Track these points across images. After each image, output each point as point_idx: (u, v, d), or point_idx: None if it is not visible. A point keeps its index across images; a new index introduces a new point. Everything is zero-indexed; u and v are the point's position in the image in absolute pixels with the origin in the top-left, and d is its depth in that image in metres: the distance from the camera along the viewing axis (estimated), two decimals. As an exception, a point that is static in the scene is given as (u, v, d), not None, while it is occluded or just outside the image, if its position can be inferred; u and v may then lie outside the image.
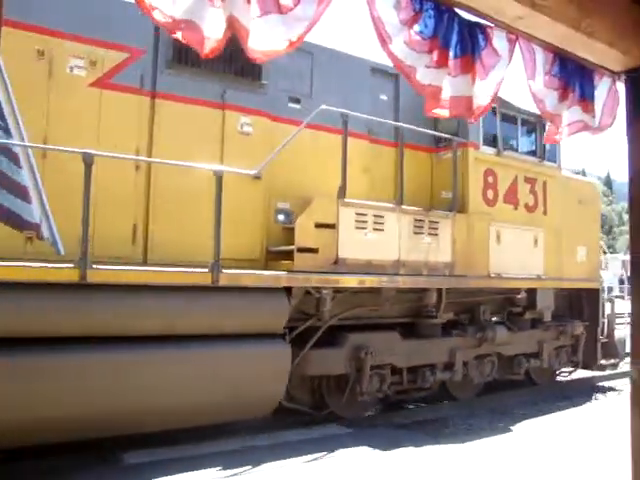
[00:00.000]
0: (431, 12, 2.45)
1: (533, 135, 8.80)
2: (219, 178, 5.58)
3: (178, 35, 1.91)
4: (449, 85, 2.60)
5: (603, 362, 9.53)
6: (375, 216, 6.71)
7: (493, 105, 8.19)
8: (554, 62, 2.91)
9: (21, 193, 5.34)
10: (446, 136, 7.71)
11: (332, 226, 6.38)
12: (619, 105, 3.27)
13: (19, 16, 5.36)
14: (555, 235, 8.76)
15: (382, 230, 6.76)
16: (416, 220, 7.09)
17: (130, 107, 5.88)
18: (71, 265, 4.90)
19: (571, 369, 9.73)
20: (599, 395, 9.03)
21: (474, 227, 7.68)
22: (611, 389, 9.60)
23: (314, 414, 6.92)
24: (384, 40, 2.35)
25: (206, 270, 5.49)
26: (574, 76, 3.00)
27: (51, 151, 5.34)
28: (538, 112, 3.09)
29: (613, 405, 8.29)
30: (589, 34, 2.61)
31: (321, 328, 6.59)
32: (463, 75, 2.61)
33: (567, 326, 9.07)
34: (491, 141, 8.20)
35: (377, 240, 6.72)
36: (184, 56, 6.15)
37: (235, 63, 6.40)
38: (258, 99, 6.60)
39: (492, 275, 7.85)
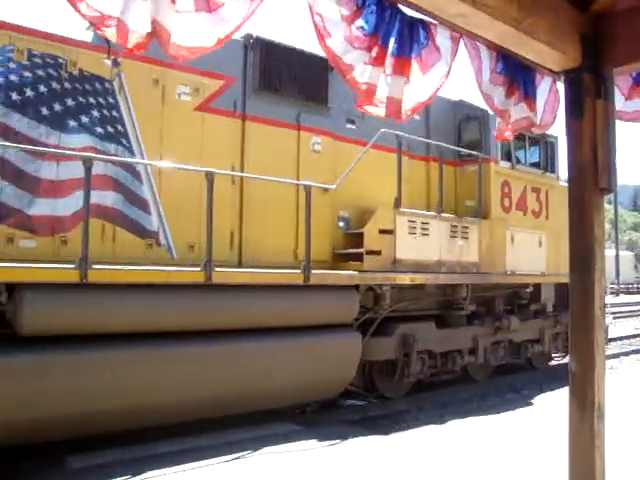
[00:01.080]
0: (373, 7, 2.42)
1: (537, 150, 10.09)
2: (308, 192, 6.54)
3: (104, 31, 1.86)
4: (385, 84, 2.58)
5: (590, 346, 10.99)
6: (422, 222, 7.82)
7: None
8: (498, 60, 2.94)
9: (143, 205, 6.14)
10: (473, 152, 8.88)
11: (391, 232, 7.43)
12: (560, 104, 3.30)
13: (139, 49, 6.11)
14: (555, 237, 10.09)
15: (427, 235, 7.88)
16: (452, 226, 8.25)
17: (226, 128, 6.73)
18: (198, 269, 5.75)
19: (563, 354, 11.17)
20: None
21: (495, 231, 8.91)
22: (615, 365, 11.18)
23: (368, 396, 7.99)
24: (322, 35, 2.31)
25: (299, 271, 6.44)
26: (517, 74, 3.04)
27: (169, 168, 6.13)
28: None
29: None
30: (529, 34, 2.63)
31: (377, 319, 7.63)
32: (397, 76, 2.60)
33: (562, 316, 10.47)
34: (505, 156, 9.44)
35: (424, 243, 7.83)
36: (267, 83, 7.04)
37: (308, 89, 7.33)
38: (325, 121, 7.56)
39: (508, 272, 9.11)
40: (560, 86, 3.24)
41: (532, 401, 8.35)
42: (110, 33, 1.87)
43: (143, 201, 6.14)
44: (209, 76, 6.62)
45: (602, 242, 2.95)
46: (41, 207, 5.56)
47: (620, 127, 3.26)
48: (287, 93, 7.19)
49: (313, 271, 6.52)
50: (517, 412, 7.54)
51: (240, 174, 6.57)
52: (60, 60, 5.72)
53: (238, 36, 7.08)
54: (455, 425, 6.80)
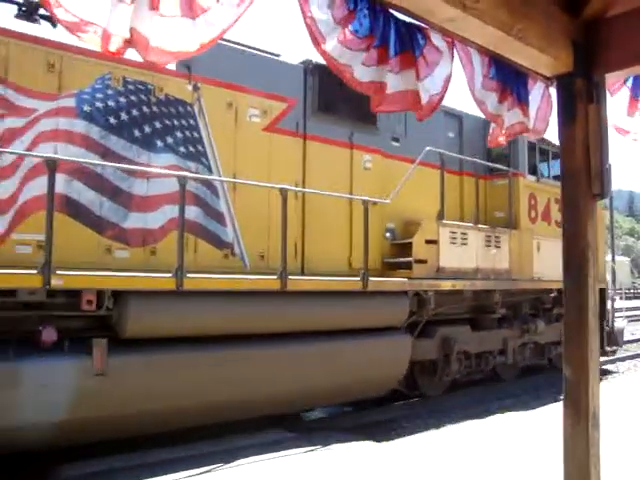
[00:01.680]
0: (366, 11, 2.42)
1: (559, 163, 10.73)
2: (366, 207, 7.13)
3: (80, 36, 1.83)
4: (392, 81, 2.55)
5: (607, 348, 11.66)
6: (462, 233, 8.43)
7: (511, 141, 10.08)
8: (490, 65, 2.91)
9: (220, 219, 6.70)
10: (503, 167, 9.52)
11: (435, 242, 8.04)
12: (552, 110, 3.26)
13: (215, 75, 6.69)
14: (575, 245, 10.76)
15: (466, 244, 8.49)
16: (486, 236, 8.87)
17: (290, 147, 7.31)
18: (274, 277, 6.30)
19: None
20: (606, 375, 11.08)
21: (523, 240, 9.56)
22: (611, 372, 11.79)
23: (409, 394, 8.58)
24: (317, 40, 2.32)
25: (358, 279, 7.02)
26: (510, 79, 3.02)
27: (243, 184, 6.68)
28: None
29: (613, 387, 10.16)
30: (520, 39, 2.59)
31: (421, 322, 8.22)
32: (407, 70, 2.57)
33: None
34: (531, 170, 10.09)
35: (463, 252, 8.44)
36: (325, 105, 7.62)
37: (359, 110, 7.91)
38: (374, 140, 8.17)
39: (535, 278, 9.75)
40: (552, 92, 3.24)
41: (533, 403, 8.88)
42: (87, 38, 1.84)
43: (220, 214, 6.69)
44: (275, 99, 7.20)
45: (595, 248, 2.89)
46: (134, 220, 6.10)
47: (613, 132, 3.30)
48: (342, 114, 7.78)
49: (370, 278, 7.10)
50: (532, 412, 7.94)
51: (309, 190, 7.15)
52: (149, 86, 6.28)
53: (298, 61, 7.69)
54: (454, 429, 6.83)
